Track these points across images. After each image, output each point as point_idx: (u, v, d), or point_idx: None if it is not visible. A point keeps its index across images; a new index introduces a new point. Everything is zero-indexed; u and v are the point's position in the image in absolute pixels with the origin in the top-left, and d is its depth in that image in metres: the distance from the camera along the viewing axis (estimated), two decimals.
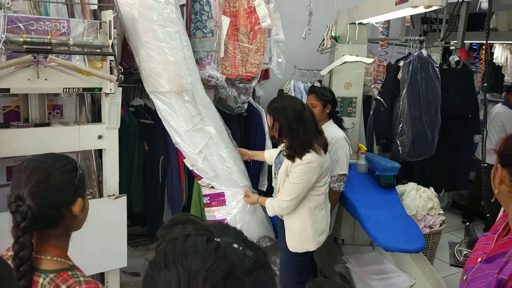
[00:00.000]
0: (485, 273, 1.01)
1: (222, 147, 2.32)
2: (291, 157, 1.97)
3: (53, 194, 0.96)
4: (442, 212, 2.88)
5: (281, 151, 2.16)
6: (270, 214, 2.14)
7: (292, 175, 1.97)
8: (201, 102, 2.27)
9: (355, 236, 2.79)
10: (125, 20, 2.04)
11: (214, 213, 2.37)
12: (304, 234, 2.06)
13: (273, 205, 2.07)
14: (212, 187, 2.36)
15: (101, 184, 2.18)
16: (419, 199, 2.74)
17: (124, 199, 2.18)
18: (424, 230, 2.73)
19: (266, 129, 2.88)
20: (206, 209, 2.42)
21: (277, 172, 2.13)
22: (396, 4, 1.97)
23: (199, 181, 2.40)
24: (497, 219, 1.20)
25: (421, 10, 1.94)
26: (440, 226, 2.84)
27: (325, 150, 2.02)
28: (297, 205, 2.02)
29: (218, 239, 0.57)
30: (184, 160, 2.35)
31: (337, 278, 2.56)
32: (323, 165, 1.99)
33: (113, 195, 2.15)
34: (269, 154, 2.44)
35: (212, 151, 2.28)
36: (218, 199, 2.37)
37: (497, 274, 0.96)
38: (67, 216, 0.99)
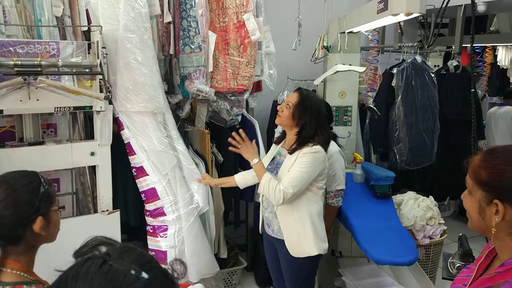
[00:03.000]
0: None
1: (187, 170, 2.38)
2: (300, 145, 1.96)
3: (11, 215, 1.00)
4: (443, 221, 2.87)
5: (274, 156, 2.14)
6: (262, 190, 1.96)
7: (299, 164, 1.91)
8: (170, 124, 2.39)
9: (352, 248, 2.80)
10: (106, 41, 2.15)
11: (159, 243, 2.34)
12: (305, 238, 2.00)
13: (273, 187, 1.89)
14: (161, 215, 2.32)
15: (96, 200, 2.28)
16: (417, 209, 2.75)
17: (117, 214, 2.28)
18: (423, 241, 2.74)
19: (260, 141, 2.95)
20: (148, 237, 2.38)
21: (275, 174, 2.03)
22: (377, 13, 2.04)
23: (147, 205, 2.34)
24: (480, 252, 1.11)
25: (402, 17, 2.00)
26: (441, 236, 2.84)
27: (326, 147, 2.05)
28: (295, 199, 1.95)
29: (112, 263, 0.60)
30: (137, 180, 2.32)
31: None
32: (326, 160, 2.03)
33: (107, 210, 2.26)
34: (241, 177, 2.31)
35: (176, 175, 2.32)
36: (162, 230, 2.34)
37: None
38: (28, 234, 1.03)
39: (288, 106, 2.03)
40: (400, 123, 3.07)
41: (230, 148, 2.15)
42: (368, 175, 2.71)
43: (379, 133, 3.17)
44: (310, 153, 1.93)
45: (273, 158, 2.15)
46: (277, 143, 2.21)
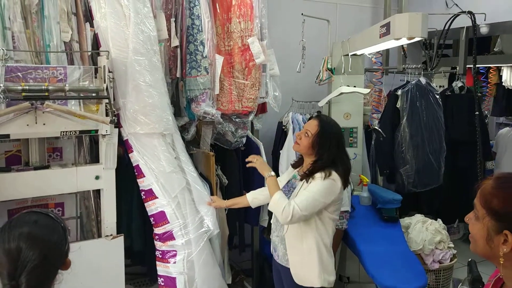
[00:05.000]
0: None
1: (196, 192, 2.38)
2: (313, 173, 1.94)
3: (46, 273, 1.06)
4: (452, 245, 2.85)
5: (290, 178, 2.14)
6: (272, 205, 1.93)
7: (314, 187, 1.89)
8: (179, 145, 2.41)
9: (360, 273, 2.79)
10: (116, 64, 2.19)
11: (169, 269, 2.32)
12: (310, 268, 1.98)
13: (283, 203, 1.86)
14: (170, 239, 2.31)
15: (100, 224, 2.29)
16: (425, 232, 2.73)
17: (121, 239, 2.28)
18: (433, 266, 2.71)
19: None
20: (157, 262, 2.36)
21: (289, 197, 2.00)
22: (380, 37, 2.10)
23: (156, 229, 2.34)
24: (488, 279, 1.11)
25: (405, 41, 2.05)
26: (451, 261, 2.81)
27: (345, 182, 1.99)
28: (304, 224, 1.92)
29: None
30: (146, 203, 2.33)
31: None
32: (342, 193, 1.98)
33: (111, 235, 2.26)
34: (253, 196, 2.29)
35: (186, 198, 2.33)
36: (171, 255, 2.33)
37: None
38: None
39: (307, 135, 2.00)
40: (406, 144, 3.09)
41: (248, 165, 2.17)
42: (375, 197, 2.72)
43: (385, 155, 3.19)
44: (327, 179, 1.90)
45: (288, 181, 2.15)
46: (295, 167, 2.20)
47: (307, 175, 1.97)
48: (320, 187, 1.89)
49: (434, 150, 3.13)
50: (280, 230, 2.07)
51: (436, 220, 2.86)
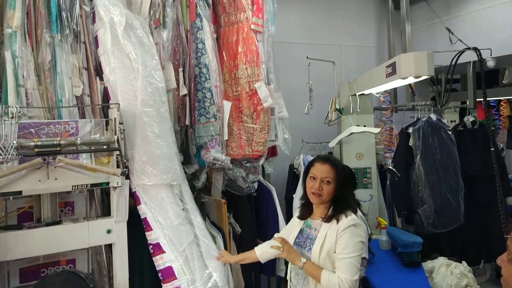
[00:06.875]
0: None
1: (204, 246, 2.35)
2: (337, 212, 1.94)
3: None
4: None
5: (302, 228, 2.10)
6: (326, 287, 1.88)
7: (346, 248, 1.86)
8: (187, 196, 2.42)
9: None
10: (124, 116, 2.25)
11: None
12: None
13: (335, 281, 1.83)
14: None
15: (112, 280, 2.27)
16: (450, 277, 2.66)
17: None
18: None
19: (278, 208, 2.96)
20: None
21: (309, 249, 1.99)
22: (386, 77, 2.15)
23: (164, 285, 2.28)
24: None
25: (412, 80, 2.10)
26: None
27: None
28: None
29: None
30: (154, 258, 2.30)
31: None
32: (365, 228, 2.01)
33: None
34: (262, 250, 2.27)
35: (194, 252, 2.30)
36: None
37: None
38: None
39: (328, 182, 1.97)
40: (422, 183, 3.07)
41: (271, 246, 2.12)
42: (395, 241, 2.67)
43: (402, 195, 3.16)
44: (350, 231, 1.88)
45: (301, 231, 2.10)
46: (302, 218, 2.14)
47: (331, 216, 1.95)
48: (353, 248, 1.86)
49: (452, 188, 3.10)
50: (304, 285, 2.01)
51: (460, 262, 2.79)
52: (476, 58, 3.06)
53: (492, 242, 3.44)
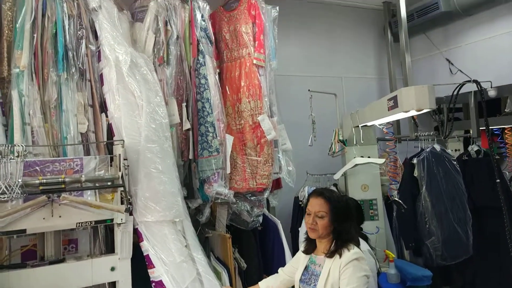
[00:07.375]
0: None
1: (207, 283, 2.32)
2: (339, 247, 1.92)
3: None
4: None
5: (307, 264, 2.09)
6: None
7: (350, 284, 1.83)
8: (189, 232, 2.41)
9: None
10: (128, 152, 2.28)
11: None
12: None
13: None
14: None
15: None
16: None
17: None
18: None
19: (285, 242, 2.92)
20: None
21: (314, 286, 1.97)
22: (388, 110, 2.17)
23: None
24: None
25: (414, 113, 2.13)
26: None
27: None
28: None
29: None
30: None
31: None
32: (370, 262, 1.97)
33: None
34: (267, 285, 2.24)
35: None
36: None
37: None
38: None
39: (321, 216, 1.96)
40: (429, 214, 3.04)
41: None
42: (404, 274, 2.62)
43: (409, 227, 3.12)
44: (353, 265, 1.86)
45: (306, 268, 2.09)
46: (307, 253, 2.13)
47: (334, 252, 1.93)
48: (357, 283, 1.84)
49: (459, 219, 3.07)
50: None
51: None
52: (477, 88, 3.10)
53: (505, 272, 3.36)
